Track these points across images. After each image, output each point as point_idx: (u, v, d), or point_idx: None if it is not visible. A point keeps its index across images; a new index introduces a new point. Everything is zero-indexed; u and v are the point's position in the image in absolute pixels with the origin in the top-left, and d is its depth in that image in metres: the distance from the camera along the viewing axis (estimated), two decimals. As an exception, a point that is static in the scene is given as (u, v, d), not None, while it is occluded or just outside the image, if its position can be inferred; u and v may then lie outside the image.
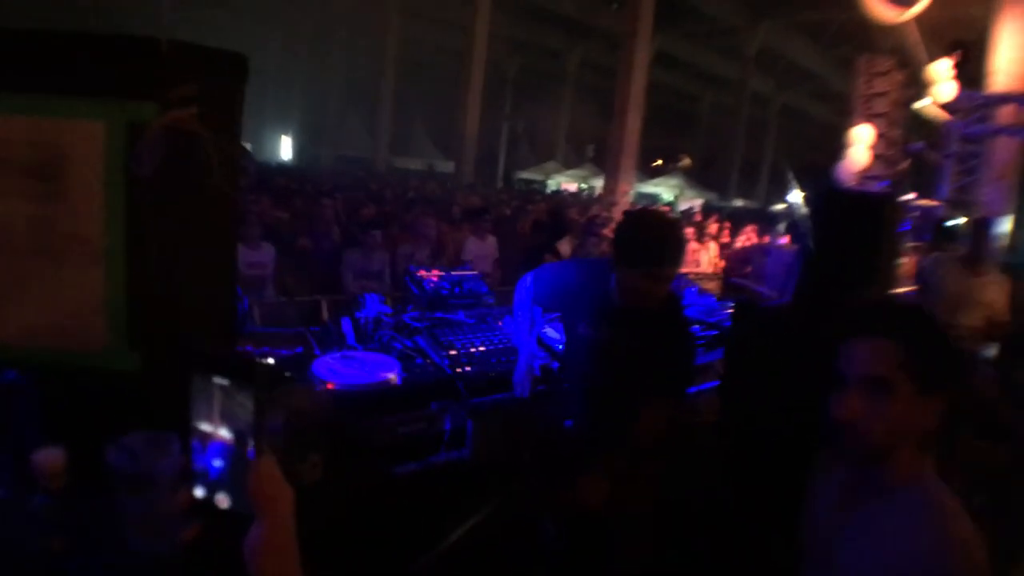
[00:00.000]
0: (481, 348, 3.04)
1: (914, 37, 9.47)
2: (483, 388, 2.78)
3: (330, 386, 2.48)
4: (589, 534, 2.64)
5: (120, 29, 1.33)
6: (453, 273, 3.43)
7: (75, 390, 1.42)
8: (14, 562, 1.18)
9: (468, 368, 2.85)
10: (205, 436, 0.80)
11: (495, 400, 2.76)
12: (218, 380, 0.77)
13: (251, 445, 0.78)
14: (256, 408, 0.77)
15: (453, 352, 2.94)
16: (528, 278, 2.90)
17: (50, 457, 1.17)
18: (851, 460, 1.29)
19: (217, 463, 0.80)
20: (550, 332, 3.40)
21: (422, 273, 3.39)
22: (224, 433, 0.79)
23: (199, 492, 0.81)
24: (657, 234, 2.31)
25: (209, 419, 0.79)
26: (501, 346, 3.11)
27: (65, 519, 1.19)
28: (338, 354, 2.78)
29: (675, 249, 2.33)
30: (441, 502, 2.66)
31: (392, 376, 2.63)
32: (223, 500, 0.80)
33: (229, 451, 0.79)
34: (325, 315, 4.23)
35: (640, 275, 2.30)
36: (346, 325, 3.09)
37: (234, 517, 0.79)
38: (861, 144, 9.66)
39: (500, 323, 3.37)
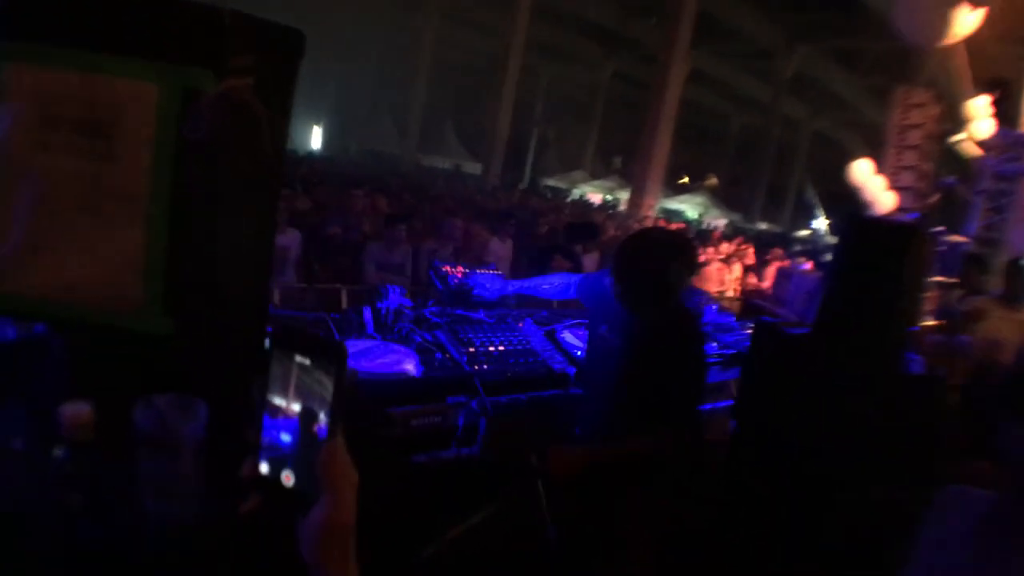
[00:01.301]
0: (500, 348, 3.04)
1: (952, 71, 9.39)
2: (499, 387, 2.78)
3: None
4: (591, 539, 2.65)
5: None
6: (478, 271, 3.44)
7: (105, 349, 1.44)
8: (29, 515, 1.20)
9: (486, 366, 2.86)
10: (277, 410, 0.80)
11: (510, 400, 2.76)
12: (300, 359, 0.78)
13: (324, 423, 0.78)
14: (335, 388, 0.77)
15: (472, 349, 2.95)
16: (576, 278, 3.03)
17: (77, 410, 1.19)
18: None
19: (286, 437, 0.80)
20: (569, 337, 3.40)
21: (447, 268, 3.41)
22: (296, 408, 0.79)
23: (264, 467, 0.81)
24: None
25: (284, 394, 0.79)
26: (520, 347, 3.11)
27: (85, 475, 1.20)
28: (357, 341, 2.80)
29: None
30: (447, 497, 2.68)
31: (410, 367, 2.65)
32: (288, 477, 0.80)
33: (299, 428, 0.79)
34: (344, 303, 4.27)
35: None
36: (367, 314, 3.11)
37: (296, 496, 0.79)
38: (869, 179, 9.56)
39: (520, 324, 3.38)
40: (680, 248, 2.47)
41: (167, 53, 1.37)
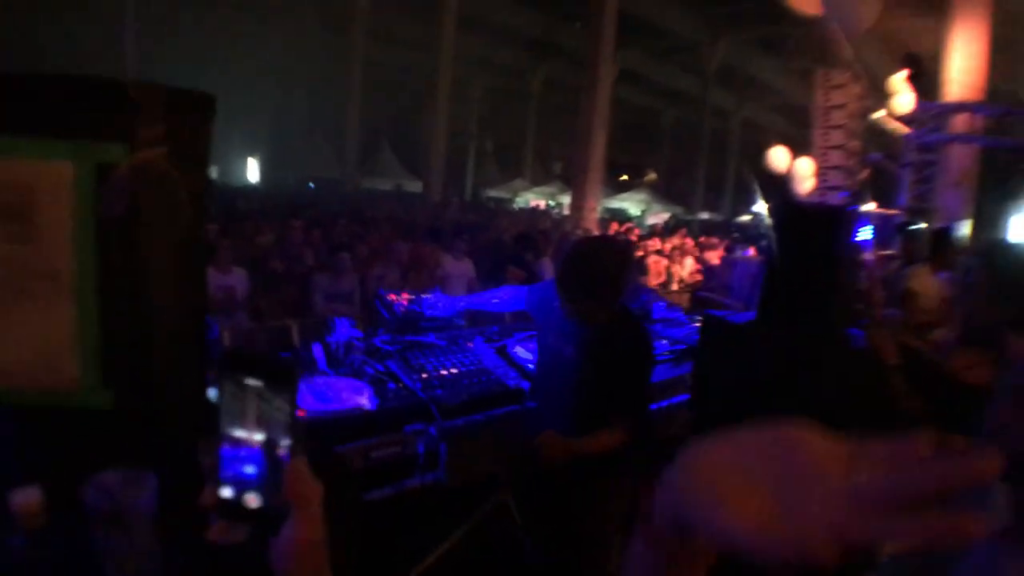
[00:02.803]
0: (453, 370, 3.05)
1: (868, 49, 9.74)
2: (456, 410, 2.78)
3: (301, 413, 2.48)
4: (567, 549, 2.68)
5: (85, 68, 1.34)
6: (423, 296, 3.44)
7: (51, 428, 1.41)
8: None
9: (440, 391, 2.86)
10: (238, 442, 0.80)
11: (468, 422, 2.77)
12: (252, 382, 0.78)
13: (285, 446, 0.78)
14: (292, 408, 0.77)
15: (425, 375, 2.95)
16: (523, 290, 3.04)
17: (27, 497, 1.17)
18: None
19: (249, 469, 0.80)
20: (521, 351, 3.43)
21: (391, 297, 3.40)
22: (258, 438, 0.79)
23: (226, 492, 0.80)
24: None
25: (242, 424, 0.79)
26: (473, 367, 3.12)
27: (44, 559, 1.18)
28: (308, 381, 2.78)
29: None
30: (417, 525, 2.67)
31: (364, 401, 2.64)
32: (252, 500, 0.80)
33: (263, 455, 0.79)
34: (296, 339, 4.22)
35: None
36: (317, 350, 3.08)
37: (262, 517, 0.79)
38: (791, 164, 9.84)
39: (471, 344, 3.39)
40: (621, 253, 2.53)
41: (78, 130, 1.35)
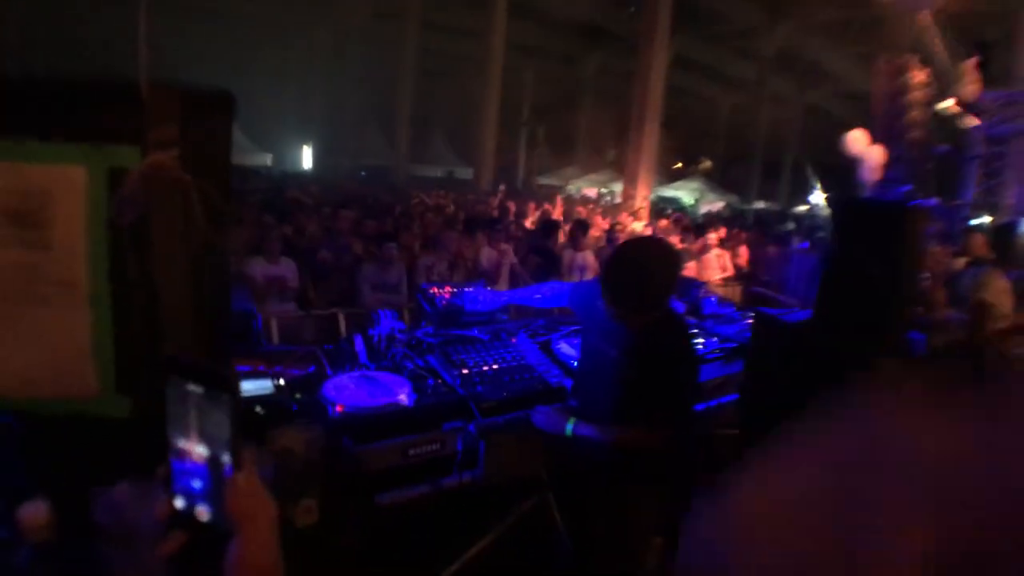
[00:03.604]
0: (494, 366, 3.00)
1: (934, 34, 9.31)
2: (496, 408, 2.73)
3: (340, 408, 2.46)
4: (597, 551, 2.62)
5: (122, 68, 1.31)
6: (466, 288, 3.39)
7: (67, 436, 1.39)
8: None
9: (480, 388, 2.81)
10: (183, 453, 0.77)
11: (508, 420, 2.72)
12: (193, 388, 0.75)
13: (228, 461, 0.75)
14: (232, 420, 0.74)
15: (465, 371, 2.90)
16: (567, 287, 3.01)
17: (34, 511, 1.15)
18: None
19: (196, 483, 0.77)
20: (565, 348, 3.36)
21: (434, 290, 3.36)
22: (202, 451, 0.76)
23: (179, 503, 0.79)
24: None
25: (186, 436, 0.76)
26: (515, 364, 3.07)
27: (51, 572, 1.16)
28: (348, 375, 2.76)
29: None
30: (455, 523, 2.64)
31: (403, 397, 2.61)
32: (202, 513, 0.78)
33: (207, 468, 0.77)
34: (343, 329, 4.23)
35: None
36: (359, 343, 3.07)
37: (215, 530, 0.77)
38: (866, 150, 9.45)
39: (514, 339, 3.33)
40: (668, 259, 2.44)
41: (90, 134, 1.32)
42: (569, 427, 2.47)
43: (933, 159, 9.48)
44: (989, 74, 9.05)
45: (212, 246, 1.32)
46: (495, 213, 11.34)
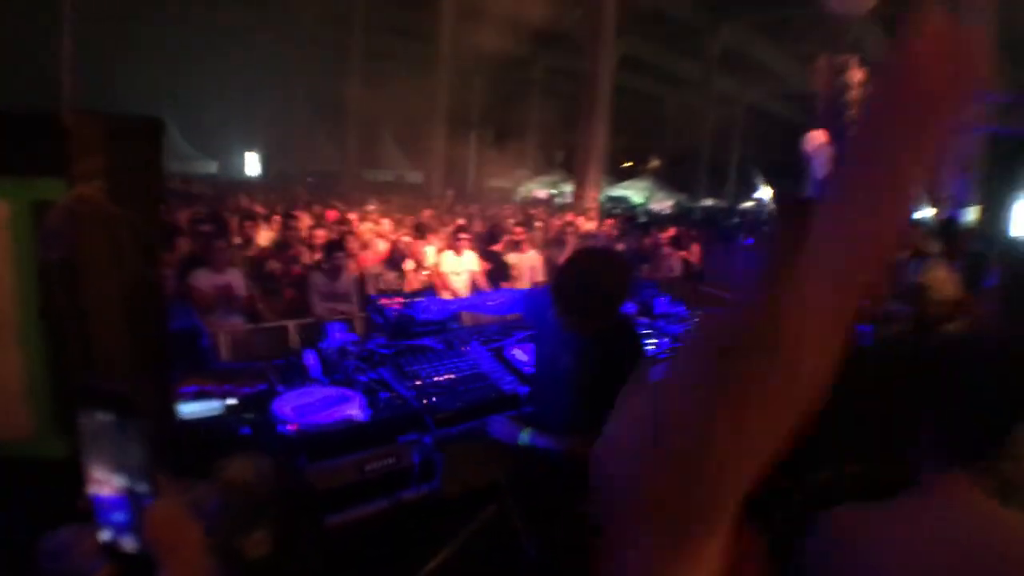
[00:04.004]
0: (448, 376, 2.98)
1: (872, 32, 9.58)
2: (451, 418, 2.72)
3: (293, 427, 2.42)
4: (571, 555, 2.62)
5: (45, 96, 1.26)
6: (416, 300, 3.37)
7: (6, 480, 1.33)
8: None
9: (435, 398, 2.79)
10: (101, 484, 0.75)
11: (463, 430, 2.71)
12: (102, 416, 0.72)
13: (145, 490, 0.73)
14: (144, 447, 0.72)
15: (419, 382, 2.88)
16: (519, 294, 3.03)
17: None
18: None
19: (118, 515, 0.75)
20: (519, 354, 3.36)
21: (384, 301, 3.33)
22: (119, 481, 0.74)
23: (105, 535, 0.76)
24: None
25: (103, 467, 0.74)
26: (469, 372, 3.05)
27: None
28: (300, 390, 2.72)
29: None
30: (415, 537, 2.61)
31: (356, 412, 2.57)
32: (128, 544, 0.75)
33: (127, 499, 0.75)
34: (294, 341, 4.16)
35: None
36: (311, 357, 3.02)
37: (146, 560, 0.74)
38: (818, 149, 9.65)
39: (467, 347, 3.32)
40: (618, 270, 2.45)
41: (12, 167, 1.26)
42: (524, 437, 2.47)
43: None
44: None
45: (145, 275, 1.27)
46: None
